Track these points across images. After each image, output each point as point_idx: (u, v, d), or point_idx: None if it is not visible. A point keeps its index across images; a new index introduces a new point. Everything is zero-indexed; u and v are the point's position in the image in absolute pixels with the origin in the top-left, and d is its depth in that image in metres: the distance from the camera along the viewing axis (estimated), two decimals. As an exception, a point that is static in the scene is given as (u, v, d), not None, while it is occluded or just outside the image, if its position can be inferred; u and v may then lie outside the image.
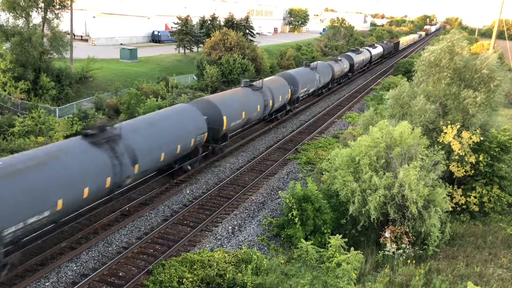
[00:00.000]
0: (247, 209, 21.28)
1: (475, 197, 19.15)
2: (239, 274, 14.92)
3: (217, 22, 73.56)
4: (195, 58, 53.87)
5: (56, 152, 15.55)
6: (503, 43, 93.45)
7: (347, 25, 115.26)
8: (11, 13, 35.04)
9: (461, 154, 18.82)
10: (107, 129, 17.55)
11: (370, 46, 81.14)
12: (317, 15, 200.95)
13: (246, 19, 77.12)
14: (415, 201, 15.54)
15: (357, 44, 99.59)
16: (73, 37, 44.39)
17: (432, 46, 21.52)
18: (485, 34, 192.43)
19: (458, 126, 19.02)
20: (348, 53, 63.23)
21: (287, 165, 27.49)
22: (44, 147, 16.27)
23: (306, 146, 31.00)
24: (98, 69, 41.84)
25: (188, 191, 22.68)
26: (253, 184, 23.94)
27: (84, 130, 17.86)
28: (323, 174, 23.67)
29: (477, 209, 19.17)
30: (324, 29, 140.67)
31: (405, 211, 15.92)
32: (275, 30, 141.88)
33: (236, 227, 19.57)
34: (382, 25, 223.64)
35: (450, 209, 17.79)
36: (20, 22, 35.44)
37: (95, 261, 16.24)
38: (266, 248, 18.17)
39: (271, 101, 31.87)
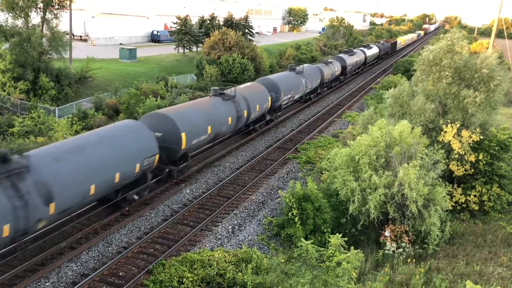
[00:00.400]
0: (247, 209, 21.28)
1: (475, 195, 19.17)
2: (239, 274, 14.93)
3: (216, 22, 73.58)
4: (194, 58, 53.91)
5: None
6: (502, 41, 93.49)
7: (346, 24, 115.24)
8: (10, 13, 35.05)
9: (461, 153, 18.83)
10: (11, 160, 13.88)
11: (364, 46, 77.29)
12: (316, 15, 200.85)
13: (245, 18, 77.14)
14: (415, 200, 15.54)
15: (357, 43, 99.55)
16: (72, 37, 44.38)
17: (431, 45, 21.52)
18: (484, 33, 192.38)
19: (458, 125, 19.04)
20: (340, 55, 59.98)
21: (287, 165, 27.49)
22: None
23: (306, 145, 30.99)
24: (98, 69, 41.83)
25: (188, 191, 22.67)
26: (253, 184, 23.94)
27: None
28: (323, 174, 23.68)
29: (477, 207, 19.19)
30: (323, 29, 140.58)
31: (405, 210, 15.93)
32: (274, 29, 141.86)
33: (236, 227, 19.57)
34: (381, 24, 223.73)
35: (450, 208, 17.81)
36: (19, 22, 35.46)
37: (95, 261, 16.23)
38: (266, 247, 18.17)
39: (246, 112, 28.17)
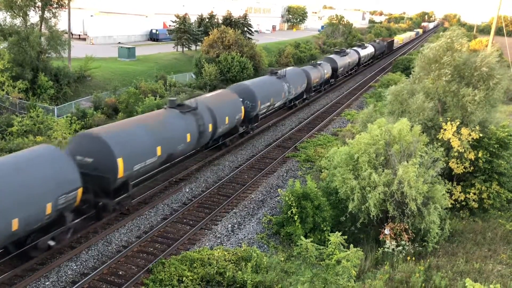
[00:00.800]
0: (246, 207, 21.28)
1: (474, 193, 19.18)
2: (239, 272, 14.93)
3: (215, 20, 73.43)
4: (193, 57, 53.80)
5: None
6: (501, 39, 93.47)
7: (345, 23, 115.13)
8: (8, 12, 34.93)
9: (460, 150, 18.83)
10: None
11: (359, 46, 72.38)
12: (316, 13, 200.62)
13: (244, 16, 77.00)
14: (414, 198, 15.54)
15: (356, 41, 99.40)
16: (71, 36, 44.28)
17: (431, 43, 21.50)
18: (484, 30, 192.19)
19: (458, 123, 19.04)
20: (331, 56, 55.32)
21: (286, 163, 27.49)
22: None
23: (305, 144, 30.99)
24: (96, 68, 41.74)
25: (187, 190, 22.66)
26: (252, 182, 23.93)
27: None
28: (322, 172, 23.67)
29: (476, 205, 19.20)
30: (322, 27, 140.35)
31: (405, 208, 15.93)
32: (274, 27, 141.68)
33: (236, 225, 19.57)
34: (381, 22, 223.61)
35: (450, 205, 17.82)
36: (18, 21, 35.33)
37: (95, 260, 16.23)
38: (265, 246, 18.17)
39: (211, 126, 24.38)
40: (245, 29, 74.43)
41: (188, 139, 22.35)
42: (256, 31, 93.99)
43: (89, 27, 71.21)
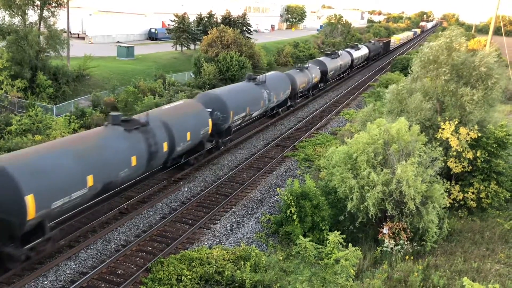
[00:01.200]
0: (245, 207, 21.29)
1: (472, 193, 19.21)
2: (238, 271, 14.95)
3: (214, 19, 73.40)
4: (192, 56, 53.76)
5: None
6: (499, 39, 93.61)
7: (344, 22, 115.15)
8: (7, 11, 34.85)
9: (458, 150, 18.86)
10: None
11: (352, 47, 67.67)
12: (314, 12, 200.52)
13: (243, 16, 76.97)
14: (413, 197, 15.57)
15: (355, 41, 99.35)
16: (69, 35, 44.20)
17: (430, 42, 21.52)
18: (482, 30, 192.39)
19: (456, 122, 19.07)
20: (321, 58, 51.42)
21: (285, 162, 27.50)
22: None
23: (304, 143, 31.01)
24: (95, 67, 41.67)
25: (186, 189, 22.67)
26: (251, 182, 23.95)
27: None
28: (321, 171, 23.70)
29: (474, 204, 19.23)
30: (321, 26, 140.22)
31: (403, 207, 15.96)
32: (272, 27, 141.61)
33: (235, 224, 19.59)
34: (379, 22, 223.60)
35: (448, 205, 17.85)
36: (16, 20, 35.23)
37: (93, 259, 16.23)
38: (264, 245, 18.20)
39: (166, 144, 20.76)
40: (244, 28, 74.39)
41: (134, 163, 18.51)
42: (255, 30, 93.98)
43: (88, 26, 71.13)
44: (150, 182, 22.58)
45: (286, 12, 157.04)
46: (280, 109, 37.71)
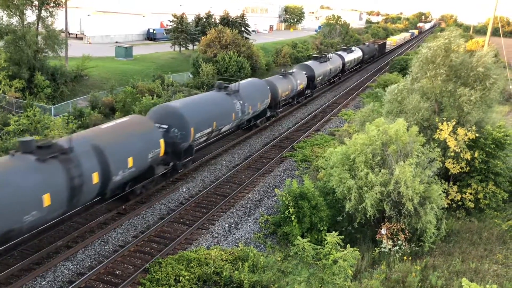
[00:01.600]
0: (243, 207, 21.29)
1: (470, 193, 19.24)
2: (236, 272, 14.94)
3: (213, 20, 73.45)
4: (190, 56, 53.76)
5: None
6: (497, 39, 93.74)
7: (342, 23, 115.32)
8: (5, 11, 34.81)
9: (456, 150, 18.89)
10: None
11: (344, 49, 63.23)
12: (313, 13, 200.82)
13: (242, 16, 77.01)
14: (411, 198, 15.59)
15: (353, 42, 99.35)
16: (68, 35, 44.16)
17: (428, 43, 21.56)
18: (480, 31, 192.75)
19: (454, 123, 19.10)
20: (308, 63, 46.63)
21: (284, 163, 27.51)
22: None
23: (302, 143, 31.02)
24: (93, 67, 41.66)
25: (184, 189, 22.65)
26: (249, 182, 23.94)
27: None
28: (319, 172, 23.71)
29: (472, 205, 19.26)
30: (319, 27, 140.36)
31: (401, 208, 15.97)
32: (271, 27, 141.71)
33: (233, 225, 19.58)
34: (378, 23, 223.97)
35: (446, 205, 17.88)
36: (14, 20, 35.21)
37: (91, 260, 16.20)
38: (262, 245, 18.19)
39: (97, 175, 16.68)
40: (243, 29, 74.45)
41: (47, 203, 14.51)
42: (253, 31, 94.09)
43: (86, 26, 71.07)
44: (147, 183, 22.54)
45: (284, 12, 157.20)
46: (258, 121, 33.35)
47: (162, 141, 20.76)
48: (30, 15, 36.87)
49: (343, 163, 17.48)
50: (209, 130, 24.61)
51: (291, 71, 40.41)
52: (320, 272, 11.84)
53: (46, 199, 14.53)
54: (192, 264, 15.48)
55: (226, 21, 72.27)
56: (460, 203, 19.42)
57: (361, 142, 17.12)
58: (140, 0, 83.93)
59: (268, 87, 33.91)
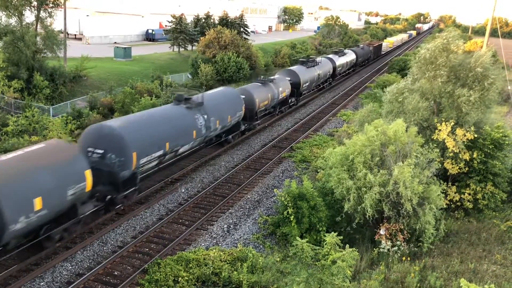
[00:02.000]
0: (242, 208, 21.28)
1: (469, 194, 19.25)
2: (235, 273, 14.94)
3: (212, 20, 73.45)
4: (189, 57, 53.77)
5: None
6: (496, 40, 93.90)
7: (341, 23, 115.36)
8: (3, 12, 34.77)
9: (455, 151, 18.91)
10: None
11: (336, 52, 58.41)
12: (312, 13, 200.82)
13: (241, 17, 77.00)
14: (409, 198, 15.59)
15: (352, 42, 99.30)
16: (66, 35, 44.14)
17: (427, 43, 21.59)
18: (479, 31, 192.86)
19: (452, 124, 19.11)
20: (293, 68, 42.41)
21: (282, 163, 27.50)
22: None
23: (301, 144, 31.02)
24: (92, 68, 41.64)
25: (183, 190, 22.64)
26: (248, 183, 23.94)
27: None
28: (318, 172, 23.71)
29: (471, 206, 19.27)
30: (318, 27, 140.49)
31: (400, 208, 15.98)
32: (270, 28, 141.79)
33: (232, 226, 19.57)
34: (376, 23, 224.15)
35: (445, 206, 17.88)
36: (13, 20, 35.16)
37: (90, 261, 16.18)
38: (261, 246, 18.18)
39: None
40: (242, 29, 74.42)
41: None
42: (252, 31, 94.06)
43: (85, 27, 71.05)
44: (147, 183, 22.53)
45: (283, 13, 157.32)
46: (230, 136, 29.22)
47: (88, 172, 16.61)
48: (29, 16, 36.84)
49: (342, 164, 17.47)
50: (160, 153, 20.62)
51: (272, 77, 36.56)
52: (319, 272, 11.83)
53: None
54: (191, 265, 15.47)
55: (225, 21, 72.27)
56: (458, 203, 19.43)
57: (360, 143, 17.13)
58: (139, 0, 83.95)
59: (243, 96, 30.13)
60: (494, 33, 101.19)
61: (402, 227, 16.13)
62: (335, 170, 17.47)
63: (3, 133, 25.69)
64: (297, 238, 12.88)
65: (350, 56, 61.78)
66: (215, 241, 18.17)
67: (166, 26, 71.68)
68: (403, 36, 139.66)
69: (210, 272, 15.19)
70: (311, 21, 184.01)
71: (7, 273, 14.69)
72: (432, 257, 15.81)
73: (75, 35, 72.11)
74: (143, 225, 18.98)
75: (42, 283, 14.67)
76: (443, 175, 19.31)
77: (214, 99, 26.60)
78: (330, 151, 18.96)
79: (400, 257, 15.56)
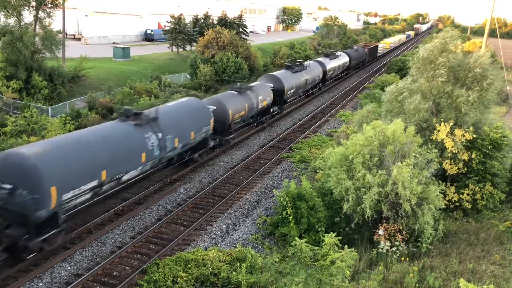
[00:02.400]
0: (241, 208, 21.27)
1: (468, 194, 19.26)
2: (234, 273, 14.93)
3: (210, 21, 73.49)
4: (188, 57, 53.75)
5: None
6: (494, 41, 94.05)
7: (340, 24, 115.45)
8: (2, 12, 34.73)
9: (454, 151, 18.92)
10: None
11: (327, 55, 53.92)
12: (310, 14, 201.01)
13: (240, 17, 77.05)
14: (408, 198, 15.60)
15: (351, 43, 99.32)
16: (65, 36, 44.11)
17: (425, 44, 21.61)
18: (477, 32, 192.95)
19: (451, 124, 19.13)
20: (277, 73, 37.99)
21: (281, 164, 27.51)
22: None
23: (300, 144, 31.02)
24: (91, 68, 41.62)
25: (182, 190, 22.62)
26: (247, 183, 23.93)
27: None
28: (317, 172, 23.71)
29: (469, 206, 19.28)
30: (317, 28, 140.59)
31: (399, 208, 15.98)
32: (269, 28, 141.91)
33: (230, 226, 19.56)
34: (375, 24, 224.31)
35: (443, 206, 17.86)
36: (12, 21, 35.13)
37: (89, 261, 16.16)
38: (260, 246, 18.17)
39: None
40: (240, 29, 74.47)
41: None
42: (251, 31, 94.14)
43: (83, 27, 71.02)
44: (146, 183, 22.51)
45: (282, 13, 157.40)
46: (197, 154, 25.33)
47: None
48: (28, 16, 36.80)
49: (341, 164, 17.47)
50: (93, 184, 16.75)
51: (251, 84, 32.33)
52: (318, 273, 11.84)
53: None
54: (189, 265, 15.46)
55: (224, 22, 72.29)
56: (457, 204, 19.44)
57: (359, 143, 17.13)
58: (137, 1, 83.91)
59: (214, 107, 26.36)
60: (492, 34, 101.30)
61: (401, 227, 16.13)
62: (334, 171, 17.47)
63: (1, 134, 25.66)
64: (296, 238, 12.90)
65: (342, 59, 57.78)
66: (214, 242, 18.16)
67: (165, 26, 71.72)
68: (401, 37, 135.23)
69: (209, 272, 15.18)
70: (310, 22, 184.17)
71: (6, 273, 14.66)
72: (431, 257, 15.81)
73: (73, 35, 72.08)
74: (142, 226, 18.97)
75: (40, 284, 14.65)
76: (441, 176, 19.31)
77: (172, 113, 22.72)
78: (329, 151, 18.96)
79: (399, 257, 15.56)
